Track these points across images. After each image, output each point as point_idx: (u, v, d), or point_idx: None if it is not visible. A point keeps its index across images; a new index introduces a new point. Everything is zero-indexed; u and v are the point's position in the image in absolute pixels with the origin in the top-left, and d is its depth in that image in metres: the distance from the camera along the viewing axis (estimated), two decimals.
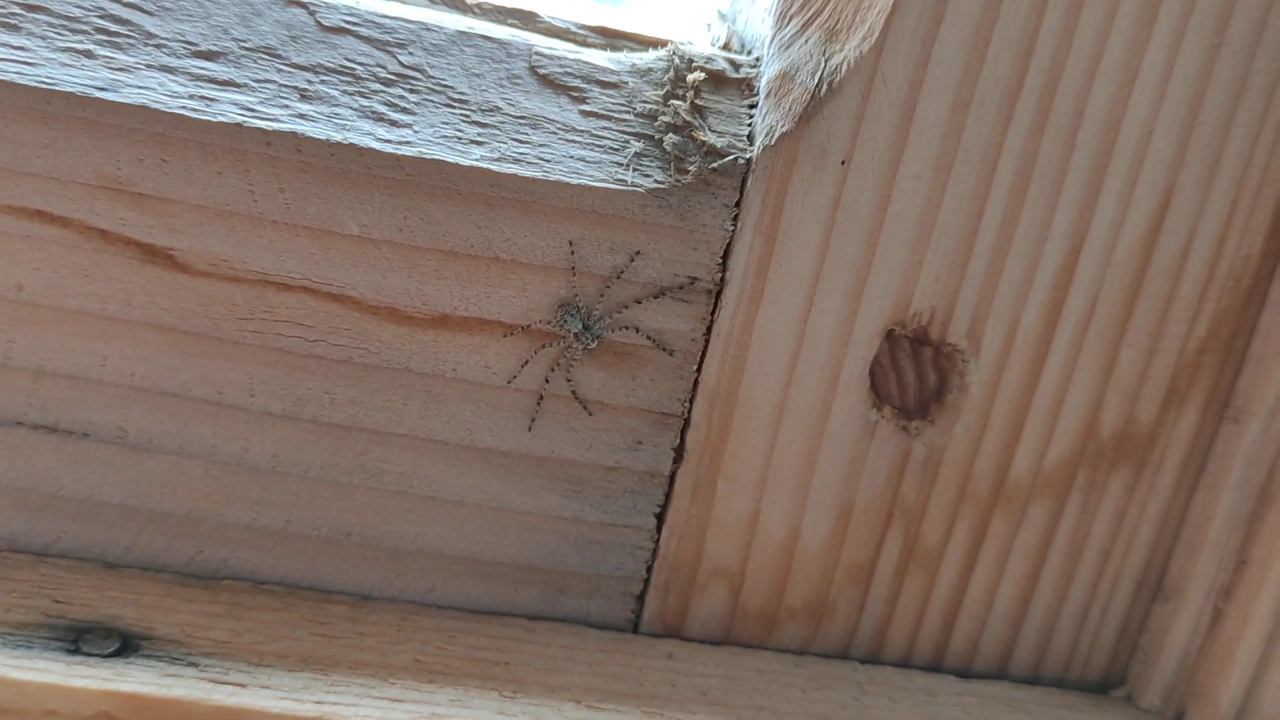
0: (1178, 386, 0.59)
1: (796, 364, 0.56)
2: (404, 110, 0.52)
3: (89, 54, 0.50)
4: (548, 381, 0.55)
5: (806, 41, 0.53)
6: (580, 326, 0.54)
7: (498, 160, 0.52)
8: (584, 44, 0.56)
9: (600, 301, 0.54)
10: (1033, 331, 0.57)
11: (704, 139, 0.53)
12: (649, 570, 0.59)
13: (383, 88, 0.52)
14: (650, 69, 0.55)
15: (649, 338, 0.55)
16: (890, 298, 0.56)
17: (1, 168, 0.50)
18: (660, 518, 0.58)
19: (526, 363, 0.55)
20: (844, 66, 0.52)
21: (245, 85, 0.51)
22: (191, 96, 0.50)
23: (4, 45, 0.50)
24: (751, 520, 0.59)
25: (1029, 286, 0.56)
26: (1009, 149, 0.54)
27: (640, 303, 0.54)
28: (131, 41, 0.51)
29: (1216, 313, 0.58)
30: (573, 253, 0.53)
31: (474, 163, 0.52)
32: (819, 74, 0.53)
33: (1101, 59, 0.54)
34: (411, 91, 0.53)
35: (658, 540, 0.59)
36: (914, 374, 0.58)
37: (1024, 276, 0.56)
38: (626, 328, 0.55)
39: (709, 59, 0.55)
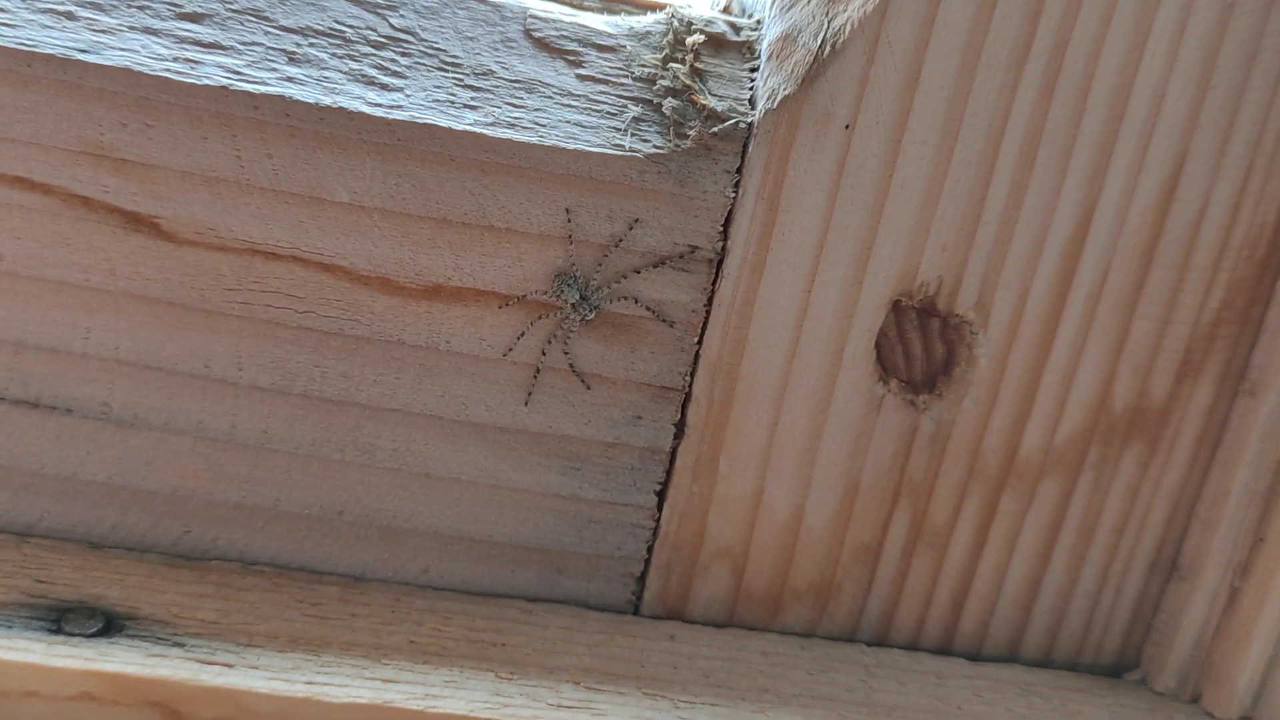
0: (1192, 359, 0.57)
1: (800, 336, 0.55)
2: (395, 74, 0.51)
3: (70, 15, 0.49)
4: (544, 354, 0.54)
5: (809, 2, 0.52)
6: (577, 297, 0.52)
7: (492, 125, 0.50)
8: (580, 7, 0.55)
9: (598, 271, 0.52)
10: (1043, 302, 0.56)
11: (704, 103, 0.52)
12: (650, 550, 0.57)
13: (373, 51, 0.51)
14: (649, 32, 0.54)
15: (648, 309, 0.53)
16: (896, 267, 0.54)
17: None
18: (661, 496, 0.57)
19: (523, 334, 0.53)
20: (847, 27, 0.51)
21: (231, 48, 0.50)
22: (176, 59, 0.49)
23: None
24: (755, 499, 0.57)
25: (1038, 256, 0.55)
26: (1017, 113, 0.53)
27: (639, 272, 0.53)
28: (114, 2, 0.49)
29: (1231, 282, 0.56)
30: (569, 220, 0.52)
31: (467, 127, 0.50)
32: (822, 35, 0.51)
33: (1112, 20, 0.52)
34: (403, 55, 0.51)
35: (659, 519, 0.57)
36: (921, 346, 0.56)
37: (1033, 245, 0.55)
38: (625, 298, 0.53)
39: (709, 21, 0.54)
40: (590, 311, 0.52)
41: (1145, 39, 0.52)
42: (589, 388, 0.54)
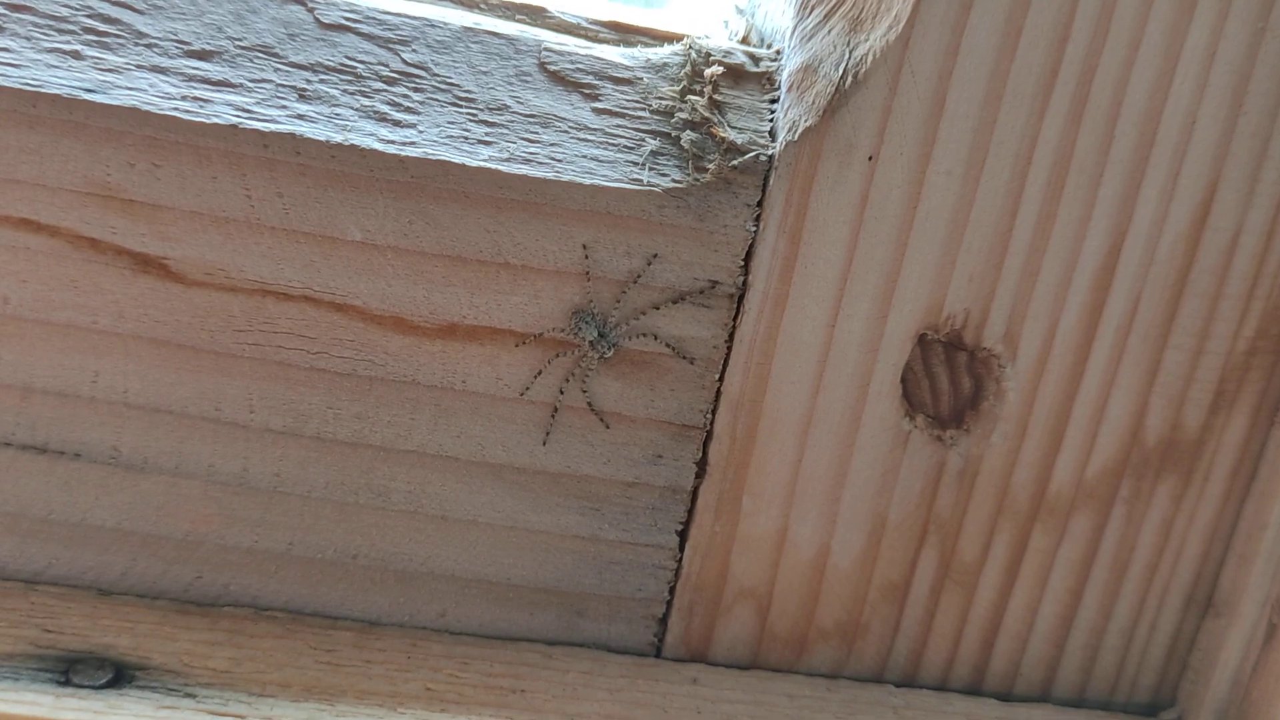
0: (1226, 390, 0.56)
1: (824, 371, 0.53)
2: (408, 110, 0.50)
3: (76, 54, 0.48)
4: (562, 393, 0.52)
5: (830, 32, 0.51)
6: (595, 334, 0.51)
7: (507, 161, 0.49)
8: (596, 39, 0.54)
9: (616, 308, 0.51)
10: (1072, 334, 0.54)
11: (723, 135, 0.51)
12: (672, 591, 0.56)
13: (385, 87, 0.50)
14: (666, 64, 0.53)
15: (668, 345, 0.52)
16: (922, 300, 0.53)
17: None
18: (683, 536, 0.55)
19: (540, 373, 0.52)
20: (869, 57, 0.50)
21: (241, 85, 0.49)
22: (184, 98, 0.48)
23: None
24: (779, 537, 0.56)
25: (1068, 287, 0.54)
26: (1045, 142, 0.51)
27: (658, 308, 0.52)
28: (121, 41, 0.48)
29: (1266, 311, 0.55)
30: (587, 257, 0.51)
31: (482, 163, 0.49)
32: (843, 65, 0.50)
33: (1140, 46, 0.51)
34: (415, 90, 0.50)
35: (680, 559, 0.56)
36: (948, 380, 0.55)
37: (1062, 276, 0.53)
38: (644, 335, 0.52)
39: (727, 53, 0.53)
40: (609, 349, 0.51)
41: (1175, 64, 0.51)
42: (608, 426, 0.53)
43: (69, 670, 0.49)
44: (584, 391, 0.53)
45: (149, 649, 0.51)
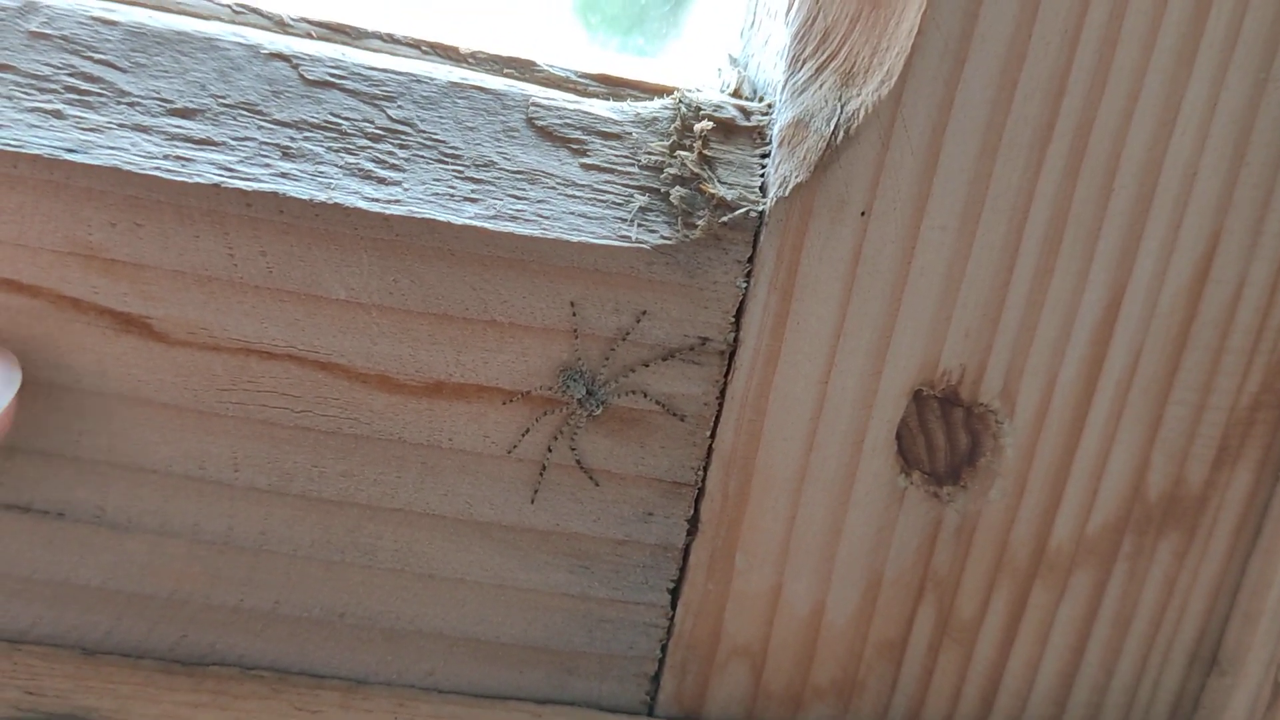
0: (1229, 445, 0.55)
1: (818, 428, 0.52)
2: (393, 167, 0.49)
3: (58, 114, 0.47)
4: (551, 451, 0.52)
5: (821, 86, 0.50)
6: (584, 392, 0.50)
7: (493, 218, 0.49)
8: (584, 93, 0.53)
9: (605, 365, 0.51)
10: (1071, 389, 0.53)
11: (713, 191, 0.50)
12: (664, 649, 0.55)
13: (370, 143, 0.49)
14: (655, 118, 0.52)
15: (658, 402, 0.51)
16: (917, 356, 0.52)
17: None
18: (675, 594, 0.55)
19: (528, 431, 0.51)
20: (862, 112, 0.49)
21: (224, 144, 0.48)
22: (167, 157, 0.47)
23: None
24: (773, 595, 0.55)
25: (1066, 341, 0.53)
26: (1041, 195, 0.50)
27: (648, 365, 0.51)
28: (103, 100, 0.48)
29: (1270, 366, 0.54)
30: (574, 314, 0.50)
31: (468, 221, 0.48)
32: (835, 120, 0.49)
33: (1139, 97, 0.50)
34: (401, 147, 0.50)
35: (672, 618, 0.55)
36: (944, 437, 0.54)
37: (1061, 331, 0.52)
38: (634, 392, 0.51)
39: (718, 106, 0.52)
40: (597, 406, 0.51)
41: (1175, 116, 0.50)
42: (597, 484, 0.52)
43: None
44: (573, 449, 0.52)
45: (131, 711, 0.50)
